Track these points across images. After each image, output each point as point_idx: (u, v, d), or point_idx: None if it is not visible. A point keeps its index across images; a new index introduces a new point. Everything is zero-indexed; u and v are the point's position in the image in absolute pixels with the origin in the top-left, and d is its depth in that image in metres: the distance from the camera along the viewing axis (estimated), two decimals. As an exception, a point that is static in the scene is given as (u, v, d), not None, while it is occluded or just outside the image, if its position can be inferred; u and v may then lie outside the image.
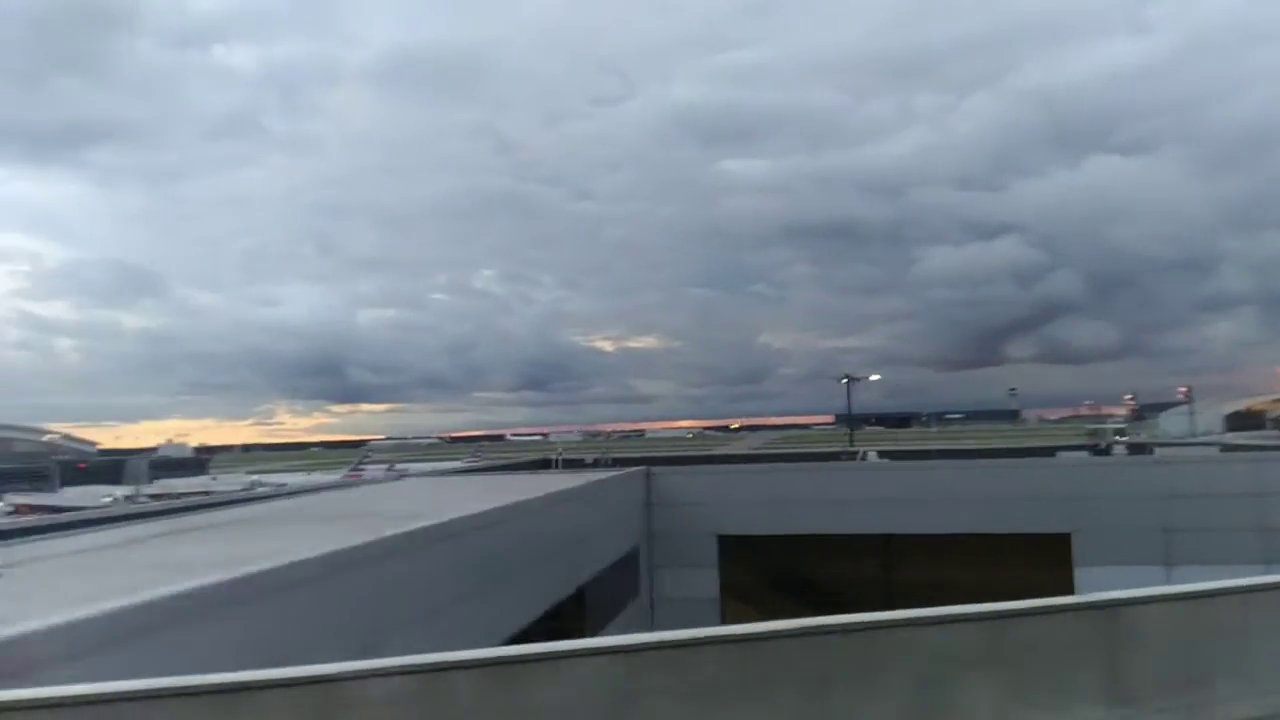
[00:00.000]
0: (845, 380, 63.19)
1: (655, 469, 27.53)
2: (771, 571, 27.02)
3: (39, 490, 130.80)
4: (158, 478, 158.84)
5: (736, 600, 26.55)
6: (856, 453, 40.23)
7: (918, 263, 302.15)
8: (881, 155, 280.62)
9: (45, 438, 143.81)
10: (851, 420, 69.06)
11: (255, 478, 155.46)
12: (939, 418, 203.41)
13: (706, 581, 26.33)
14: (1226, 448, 37.34)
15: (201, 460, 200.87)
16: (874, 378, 71.43)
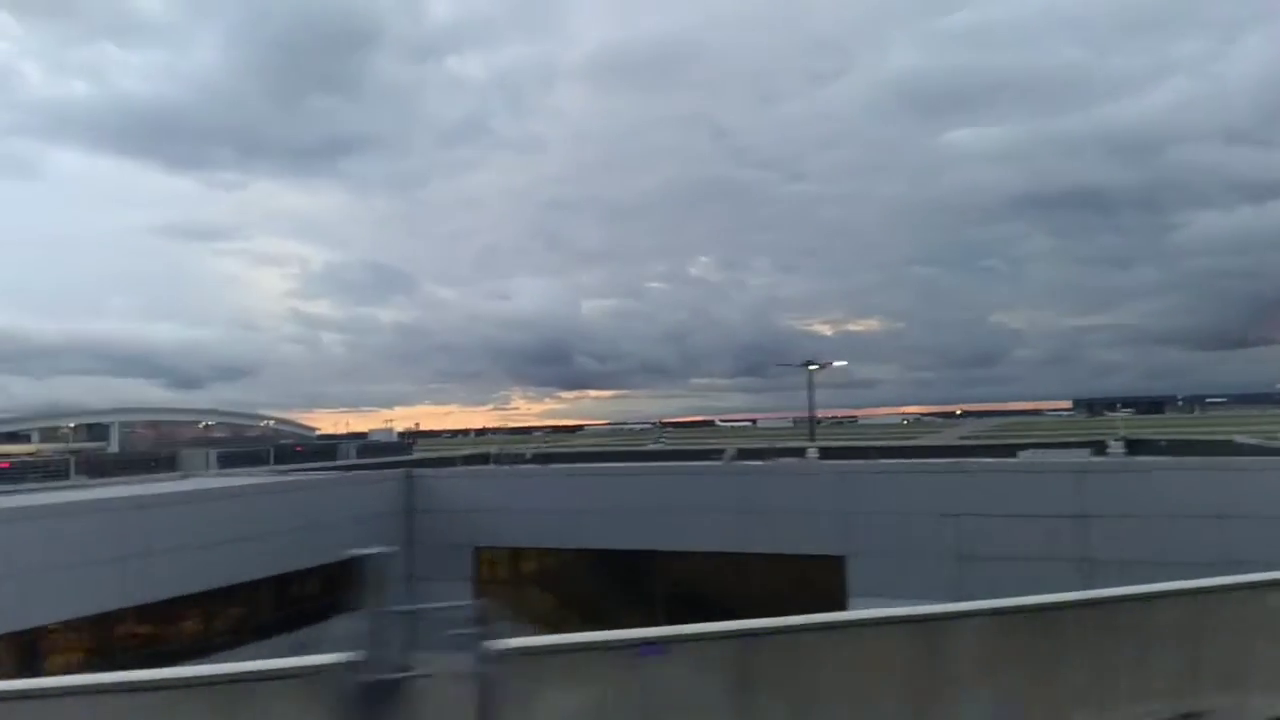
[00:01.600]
0: (809, 367, 56.72)
1: (417, 471, 25.51)
2: (532, 589, 24.30)
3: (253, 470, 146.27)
4: (366, 458, 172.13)
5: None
6: (804, 450, 35.86)
7: (1176, 230, 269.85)
8: (1132, 112, 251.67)
9: (263, 423, 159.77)
10: (809, 412, 61.94)
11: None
12: (1199, 401, 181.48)
13: (461, 596, 24.12)
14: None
15: (406, 444, 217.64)
16: (839, 364, 63.35)
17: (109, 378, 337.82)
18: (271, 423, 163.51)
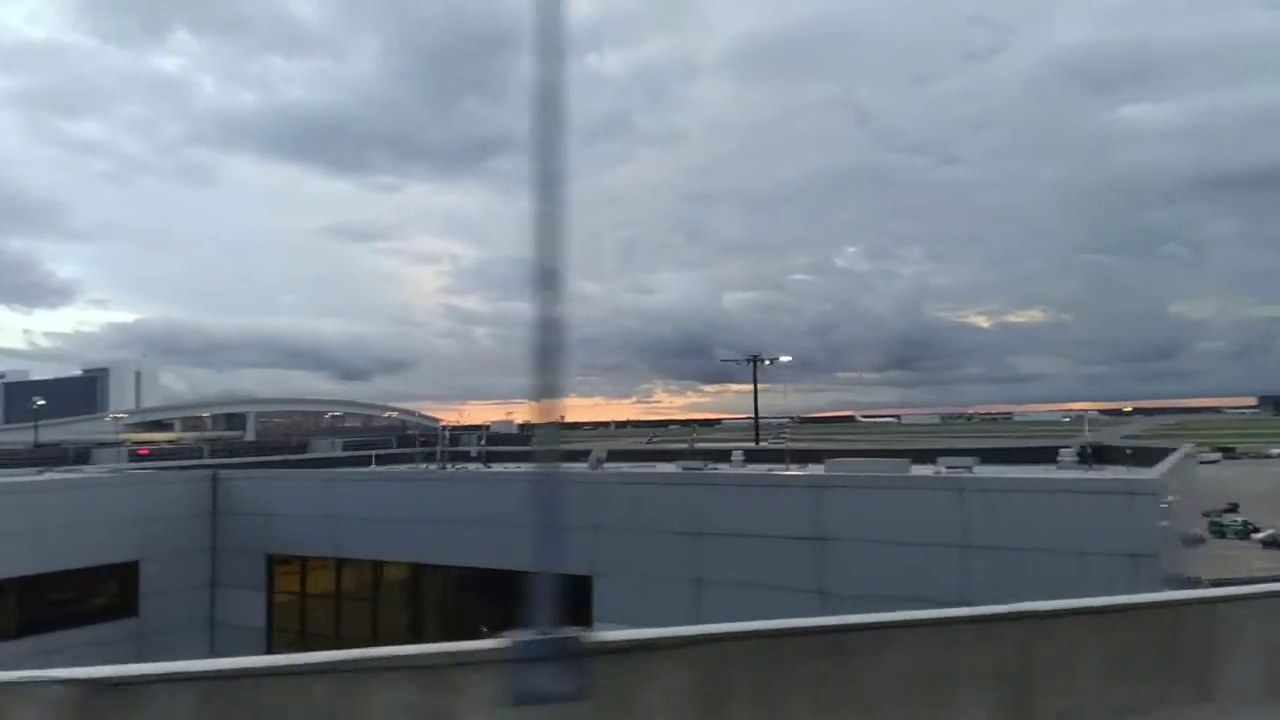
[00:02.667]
0: (750, 362, 51.36)
1: (223, 473, 24.23)
2: (323, 600, 22.56)
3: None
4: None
5: (289, 632, 22.66)
6: (729, 453, 32.61)
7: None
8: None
9: (386, 414, 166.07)
10: (757, 411, 55.72)
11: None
12: None
13: (255, 607, 22.82)
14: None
15: (526, 436, 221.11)
16: (784, 359, 57.07)
17: (281, 370, 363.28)
18: (395, 414, 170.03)
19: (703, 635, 4.75)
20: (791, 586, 16.00)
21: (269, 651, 22.11)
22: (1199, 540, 25.10)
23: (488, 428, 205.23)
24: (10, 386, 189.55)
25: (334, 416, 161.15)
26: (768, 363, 53.26)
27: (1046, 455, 27.21)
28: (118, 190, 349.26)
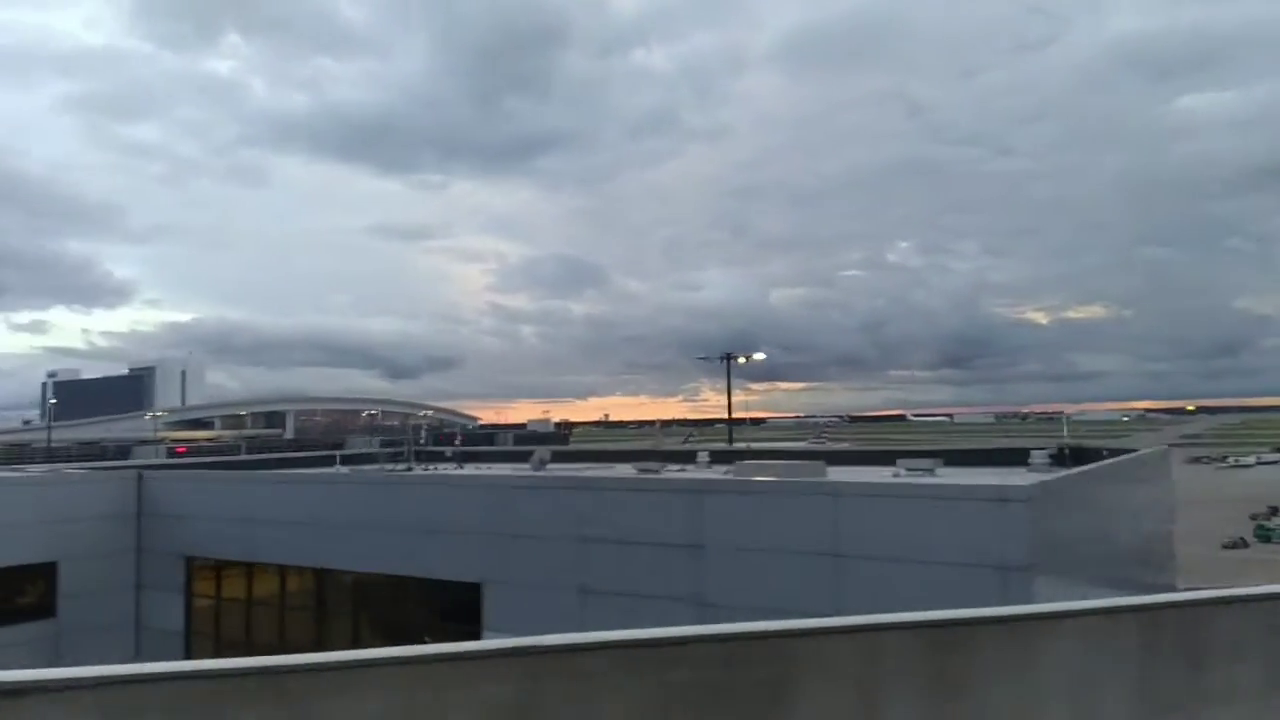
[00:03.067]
0: (724, 360, 49.34)
1: (149, 473, 23.88)
2: (236, 605, 22.09)
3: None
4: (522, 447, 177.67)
5: (206, 636, 22.24)
6: (695, 453, 31.58)
7: None
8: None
9: (423, 413, 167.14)
10: (731, 409, 53.67)
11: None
12: None
13: (175, 611, 22.46)
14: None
15: (563, 434, 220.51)
16: (759, 356, 54.79)
17: (331, 368, 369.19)
18: (430, 413, 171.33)
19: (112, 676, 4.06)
20: (669, 595, 15.11)
21: (188, 656, 21.76)
22: (1166, 554, 23.73)
23: (524, 426, 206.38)
24: (61, 385, 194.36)
25: (369, 414, 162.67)
26: (741, 360, 51.97)
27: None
28: (173, 192, 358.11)
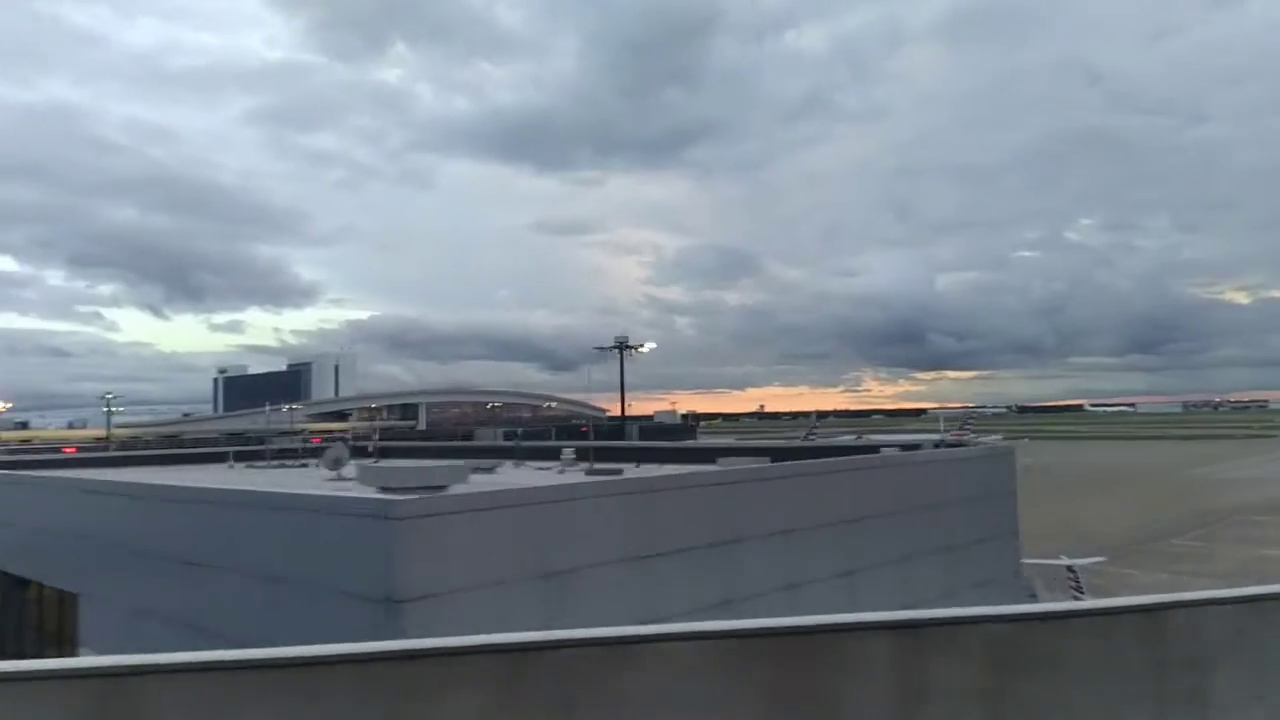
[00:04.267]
0: (618, 349, 44.11)
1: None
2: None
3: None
4: (649, 440, 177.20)
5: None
6: (559, 450, 29.40)
7: None
8: None
9: (547, 404, 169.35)
10: (624, 400, 47.79)
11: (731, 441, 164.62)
12: None
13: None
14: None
15: (690, 426, 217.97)
16: (648, 347, 48.46)
17: (496, 361, 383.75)
18: (554, 404, 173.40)
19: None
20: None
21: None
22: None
23: (651, 418, 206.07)
24: (229, 381, 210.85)
25: (494, 407, 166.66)
26: (633, 351, 48.70)
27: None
28: (350, 197, 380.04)
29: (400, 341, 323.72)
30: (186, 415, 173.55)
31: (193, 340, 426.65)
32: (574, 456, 28.19)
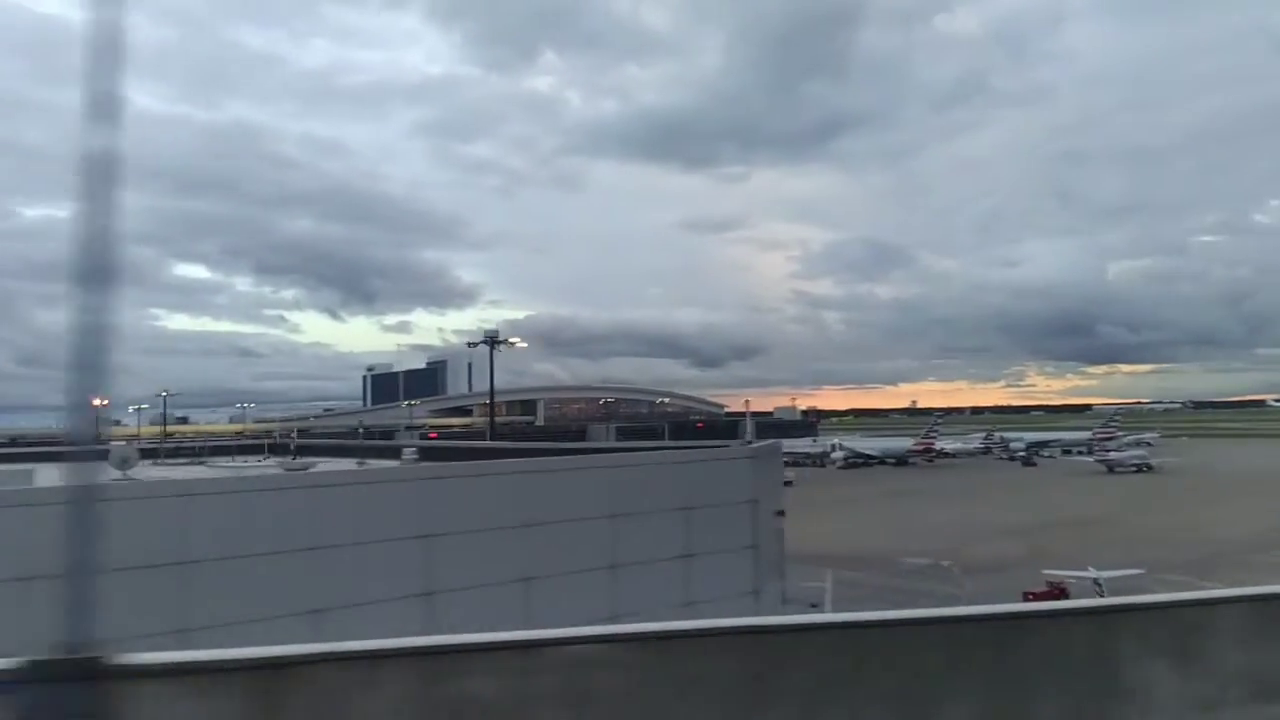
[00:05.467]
0: (488, 345, 40.45)
1: None
2: None
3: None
4: (765, 437, 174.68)
5: None
6: (400, 449, 29.40)
7: None
8: None
9: (659, 400, 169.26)
10: (493, 398, 43.39)
11: (834, 440, 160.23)
12: None
13: None
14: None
15: (810, 423, 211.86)
16: (519, 343, 43.89)
17: (644, 358, 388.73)
18: (666, 400, 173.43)
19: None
20: None
21: None
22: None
23: (771, 414, 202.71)
24: (375, 378, 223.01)
25: (605, 402, 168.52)
26: (502, 347, 46.93)
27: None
28: (506, 202, 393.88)
29: (554, 340, 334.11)
30: (328, 410, 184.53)
31: (366, 340, 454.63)
32: (415, 455, 28.31)
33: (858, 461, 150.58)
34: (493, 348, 43.66)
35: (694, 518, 18.69)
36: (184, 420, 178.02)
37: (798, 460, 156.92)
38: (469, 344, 45.25)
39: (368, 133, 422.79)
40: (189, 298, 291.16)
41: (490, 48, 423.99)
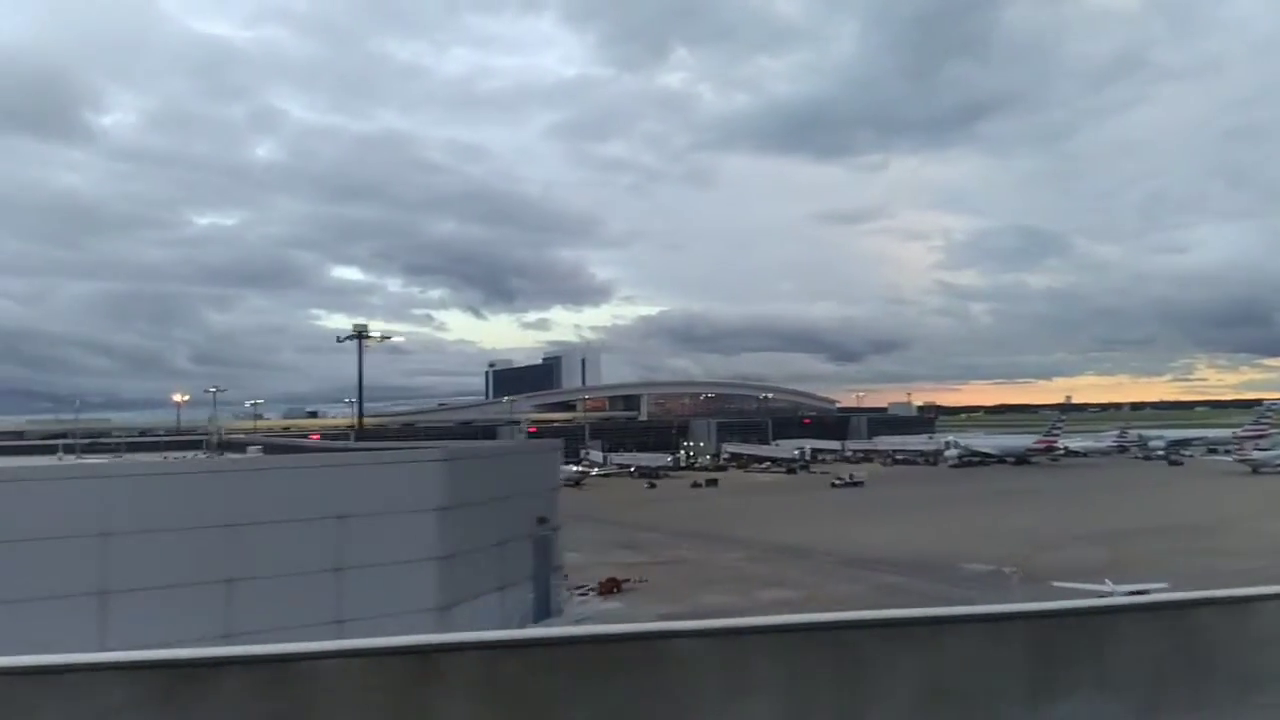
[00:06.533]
0: (355, 339, 36.27)
1: None
2: None
3: (747, 441, 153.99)
4: (878, 434, 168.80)
5: None
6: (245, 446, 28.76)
7: None
8: None
9: (763, 395, 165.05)
10: (361, 392, 38.30)
11: (949, 438, 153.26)
12: None
13: None
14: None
15: (928, 419, 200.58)
16: (396, 338, 38.75)
17: (779, 353, 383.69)
18: (770, 396, 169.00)
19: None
20: None
21: None
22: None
23: (885, 410, 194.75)
24: (497, 374, 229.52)
25: (706, 397, 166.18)
26: (371, 341, 44.18)
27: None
28: (639, 200, 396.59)
29: (688, 335, 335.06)
30: (441, 405, 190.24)
31: (508, 337, 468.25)
32: (260, 450, 27.84)
33: (973, 460, 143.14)
34: (361, 342, 42.53)
35: (351, 527, 17.09)
36: (314, 415, 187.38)
37: (909, 459, 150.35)
38: (338, 339, 44.40)
39: (506, 136, 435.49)
40: (344, 298, 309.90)
41: (623, 47, 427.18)
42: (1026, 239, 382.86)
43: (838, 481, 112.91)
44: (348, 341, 42.02)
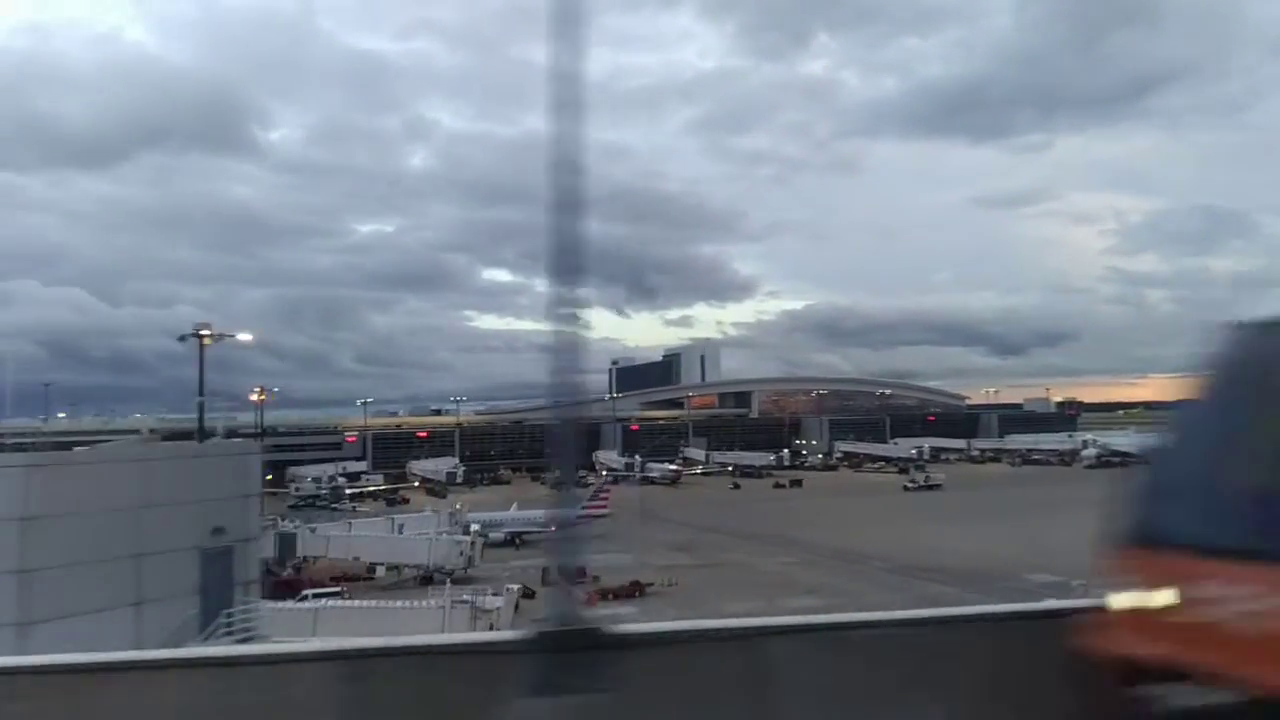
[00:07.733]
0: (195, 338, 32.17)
1: None
2: None
3: (862, 440, 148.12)
4: (1010, 432, 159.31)
5: None
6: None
7: None
8: None
9: (880, 392, 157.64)
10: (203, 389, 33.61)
11: (1088, 436, 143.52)
12: None
13: None
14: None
15: (1068, 415, 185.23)
16: (244, 336, 33.37)
17: (935, 347, 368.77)
18: (888, 392, 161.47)
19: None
20: None
21: None
22: None
23: (1020, 406, 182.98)
24: (620, 371, 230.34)
25: (818, 394, 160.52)
26: (208, 341, 40.75)
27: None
28: (781, 192, 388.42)
29: (835, 330, 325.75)
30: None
31: (651, 335, 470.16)
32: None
33: (1111, 460, 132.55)
34: (201, 341, 40.59)
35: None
36: (438, 412, 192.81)
37: (1044, 459, 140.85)
38: (179, 338, 42.20)
39: (646, 134, 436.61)
40: (495, 299, 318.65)
41: (762, 36, 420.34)
42: (1209, 219, 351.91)
43: (910, 485, 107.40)
44: (199, 341, 40.19)
